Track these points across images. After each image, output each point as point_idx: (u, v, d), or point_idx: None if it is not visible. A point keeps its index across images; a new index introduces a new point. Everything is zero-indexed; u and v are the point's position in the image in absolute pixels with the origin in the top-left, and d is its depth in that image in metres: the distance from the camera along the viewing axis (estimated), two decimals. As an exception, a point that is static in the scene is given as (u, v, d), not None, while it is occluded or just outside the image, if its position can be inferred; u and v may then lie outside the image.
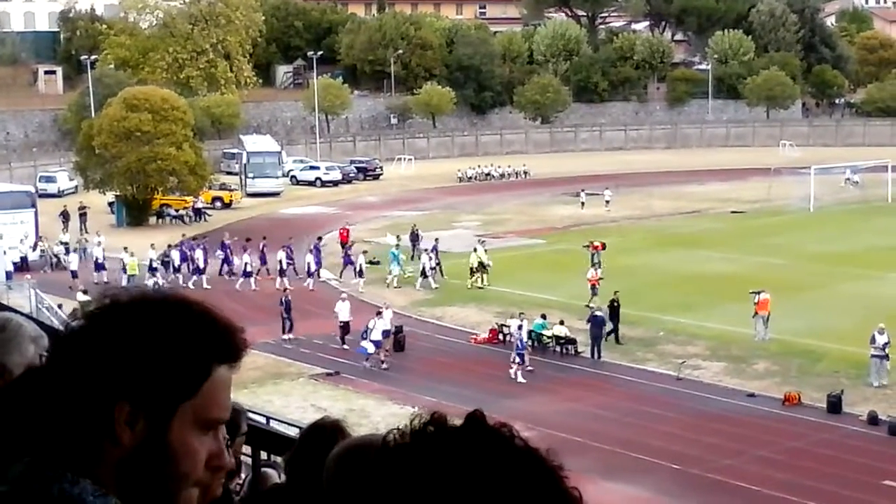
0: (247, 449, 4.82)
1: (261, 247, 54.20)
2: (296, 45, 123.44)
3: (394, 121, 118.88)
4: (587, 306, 43.51)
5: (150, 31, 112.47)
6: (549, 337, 40.34)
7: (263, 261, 53.74)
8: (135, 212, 71.49)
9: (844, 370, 36.73)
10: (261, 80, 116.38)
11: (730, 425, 32.01)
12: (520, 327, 37.95)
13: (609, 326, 40.49)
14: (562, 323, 40.65)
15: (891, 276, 51.00)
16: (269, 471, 4.81)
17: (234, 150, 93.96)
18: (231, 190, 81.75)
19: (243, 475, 5.16)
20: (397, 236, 56.30)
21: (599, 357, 39.30)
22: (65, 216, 66.46)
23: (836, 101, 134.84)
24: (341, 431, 3.94)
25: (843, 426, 31.98)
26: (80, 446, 1.91)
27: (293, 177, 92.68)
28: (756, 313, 40.94)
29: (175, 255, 53.50)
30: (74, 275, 51.50)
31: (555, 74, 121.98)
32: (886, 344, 35.31)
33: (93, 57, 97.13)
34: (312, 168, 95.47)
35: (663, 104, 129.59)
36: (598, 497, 23.81)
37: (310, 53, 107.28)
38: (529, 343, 38.63)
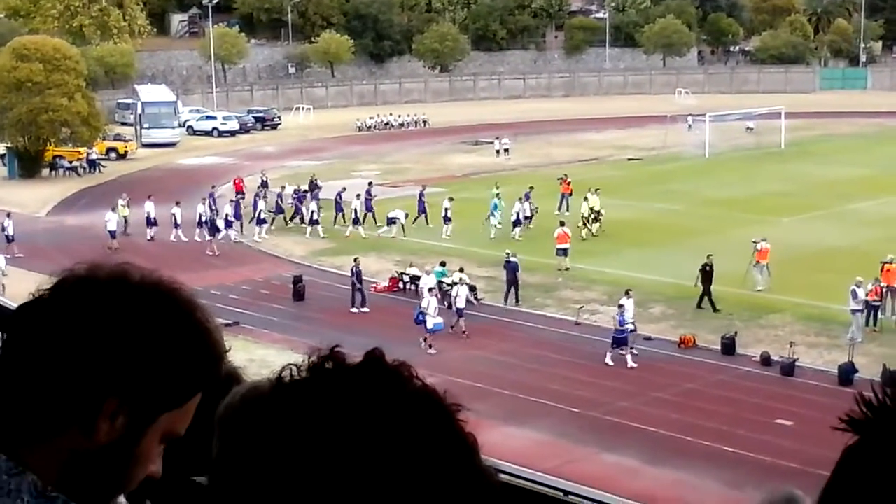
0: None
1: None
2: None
3: (292, 70, 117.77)
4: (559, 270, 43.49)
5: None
6: (449, 284, 40.45)
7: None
8: (27, 164, 70.15)
9: (738, 313, 37.44)
10: (155, 29, 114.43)
11: (627, 368, 32.53)
12: (620, 306, 33.92)
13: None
14: (461, 270, 40.77)
15: (784, 221, 52.03)
16: None
17: (129, 101, 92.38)
18: (126, 141, 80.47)
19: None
20: (496, 184, 54.30)
21: (518, 303, 39.63)
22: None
23: (731, 48, 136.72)
24: (237, 379, 3.89)
25: (737, 367, 32.65)
26: (23, 427, 1.73)
27: (190, 127, 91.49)
28: (757, 262, 41.23)
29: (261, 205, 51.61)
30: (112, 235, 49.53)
31: (453, 23, 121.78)
32: (866, 302, 34.67)
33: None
34: (209, 118, 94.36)
35: (561, 52, 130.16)
36: (499, 441, 24.09)
37: (205, 1, 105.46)
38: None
